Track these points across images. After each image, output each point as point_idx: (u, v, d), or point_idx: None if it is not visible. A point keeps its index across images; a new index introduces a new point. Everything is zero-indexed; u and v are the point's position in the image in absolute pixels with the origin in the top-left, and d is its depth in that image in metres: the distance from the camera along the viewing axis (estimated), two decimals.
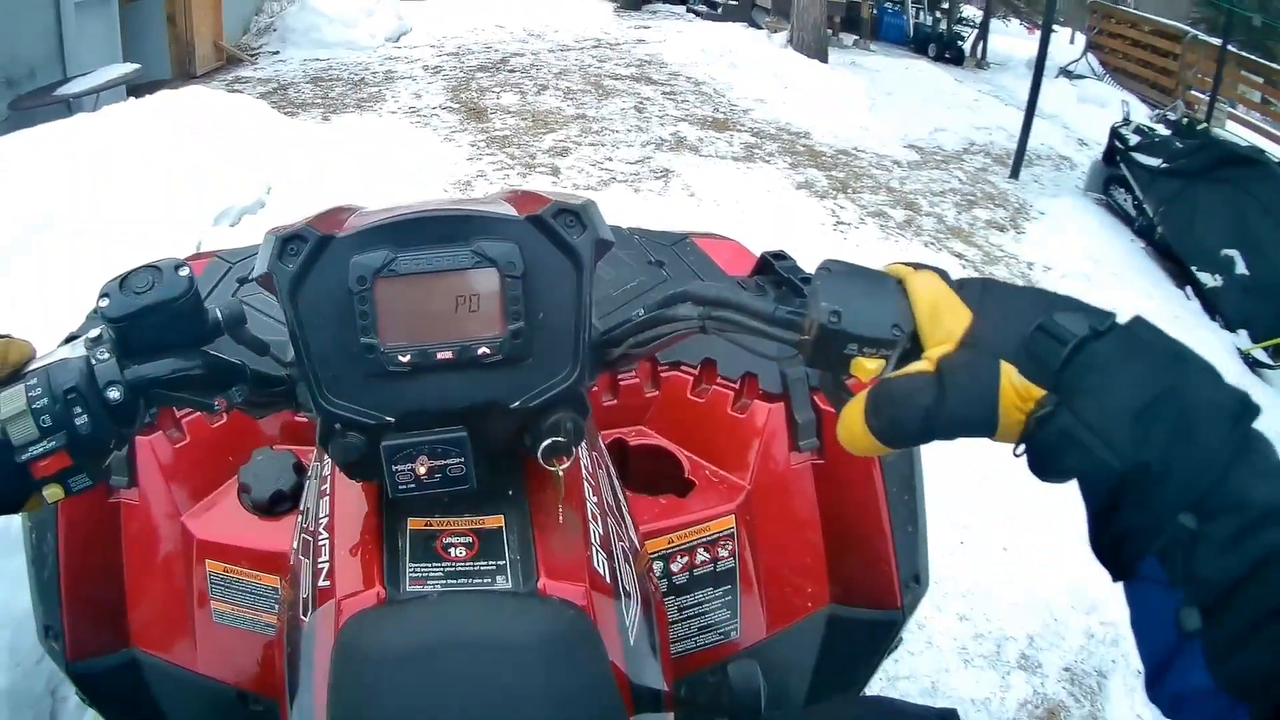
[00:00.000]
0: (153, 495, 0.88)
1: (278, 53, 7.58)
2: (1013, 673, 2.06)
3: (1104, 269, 4.52)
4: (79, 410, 0.55)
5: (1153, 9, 10.59)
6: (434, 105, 6.11)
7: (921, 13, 10.52)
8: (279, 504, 0.87)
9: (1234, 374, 3.55)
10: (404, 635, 0.57)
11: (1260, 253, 4.40)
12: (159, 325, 0.58)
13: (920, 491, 0.94)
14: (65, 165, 3.29)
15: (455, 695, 0.55)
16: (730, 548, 0.90)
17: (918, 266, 0.55)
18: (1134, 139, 5.34)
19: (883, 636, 0.95)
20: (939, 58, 9.74)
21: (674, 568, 0.89)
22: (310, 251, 0.60)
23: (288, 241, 0.60)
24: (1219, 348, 3.87)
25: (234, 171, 3.83)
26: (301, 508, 0.80)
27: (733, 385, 0.95)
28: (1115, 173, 5.46)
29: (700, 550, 0.89)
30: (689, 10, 10.56)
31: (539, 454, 0.63)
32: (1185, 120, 5.67)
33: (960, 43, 10.28)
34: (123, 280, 0.58)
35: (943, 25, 10.48)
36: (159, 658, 0.87)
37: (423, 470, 0.62)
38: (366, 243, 0.60)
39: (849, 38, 9.69)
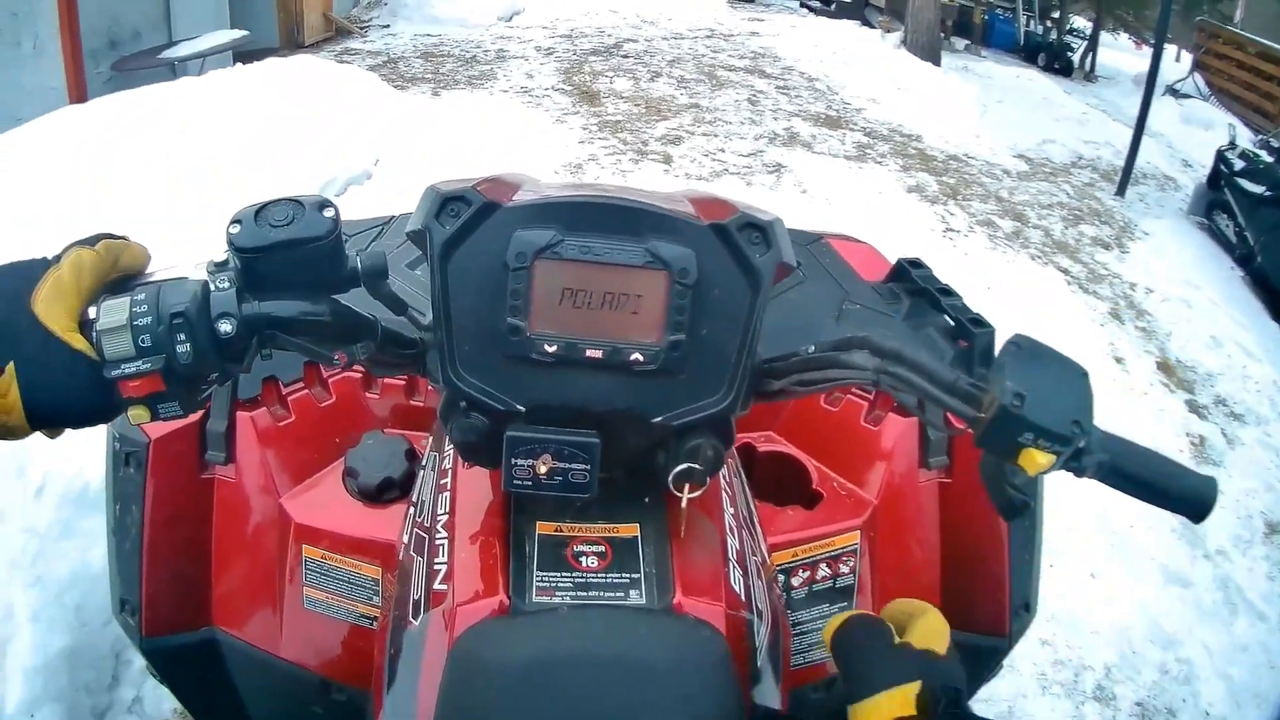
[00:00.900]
0: (251, 474, 0.84)
1: (388, 26, 7.71)
2: (1087, 703, 2.05)
3: (1203, 295, 4.53)
4: (183, 337, 0.51)
5: (1257, 27, 10.29)
6: (546, 86, 6.13)
7: (1033, 21, 10.50)
8: (387, 491, 0.82)
9: None
10: (530, 650, 0.54)
11: None
12: (291, 263, 0.54)
13: (1040, 517, 0.91)
14: (167, 127, 3.26)
15: (581, 718, 0.52)
16: (852, 564, 0.87)
17: None
18: (1239, 164, 5.31)
19: (986, 663, 0.93)
20: (1048, 67, 9.75)
21: (794, 581, 0.85)
22: (472, 216, 0.57)
23: (449, 200, 0.57)
24: None
25: (342, 142, 3.79)
26: (414, 499, 0.77)
27: (867, 396, 0.91)
28: (1219, 197, 5.40)
29: (822, 565, 0.86)
30: (803, 5, 10.73)
31: (669, 478, 0.60)
32: None
33: (1070, 53, 10.27)
34: (260, 209, 0.54)
35: (1053, 35, 10.45)
36: (239, 638, 0.84)
37: (544, 469, 0.58)
38: (533, 218, 0.57)
39: (960, 42, 9.76)
